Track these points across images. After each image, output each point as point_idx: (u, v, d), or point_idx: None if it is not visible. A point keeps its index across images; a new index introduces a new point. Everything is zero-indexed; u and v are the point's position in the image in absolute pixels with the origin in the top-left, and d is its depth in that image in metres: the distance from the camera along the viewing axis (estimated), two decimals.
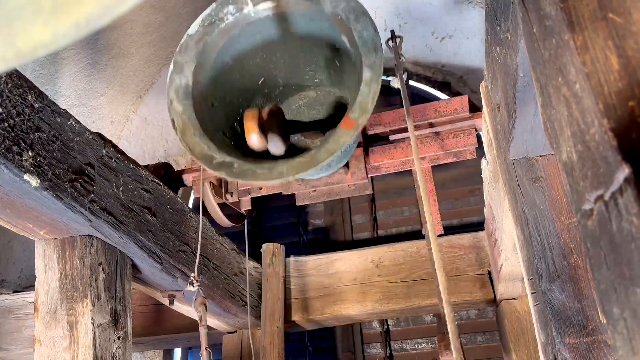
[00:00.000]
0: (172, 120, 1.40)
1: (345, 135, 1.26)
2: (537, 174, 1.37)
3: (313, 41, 1.53)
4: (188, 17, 4.06)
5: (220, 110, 1.51)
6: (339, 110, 1.69)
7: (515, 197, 1.39)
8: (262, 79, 1.50)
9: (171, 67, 1.37)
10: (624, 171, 0.53)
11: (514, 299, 2.53)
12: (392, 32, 1.92)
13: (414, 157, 1.10)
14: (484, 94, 1.58)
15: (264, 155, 1.39)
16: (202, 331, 1.83)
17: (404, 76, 1.68)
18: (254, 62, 1.58)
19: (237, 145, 1.49)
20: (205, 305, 1.85)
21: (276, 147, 1.36)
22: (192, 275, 1.80)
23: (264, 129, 1.29)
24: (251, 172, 1.27)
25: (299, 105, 1.75)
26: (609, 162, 0.57)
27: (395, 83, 1.66)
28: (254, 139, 1.22)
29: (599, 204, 0.61)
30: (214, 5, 1.34)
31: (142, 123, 4.21)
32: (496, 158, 1.57)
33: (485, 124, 1.66)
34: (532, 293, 1.38)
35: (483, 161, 1.90)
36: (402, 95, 1.55)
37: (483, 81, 1.58)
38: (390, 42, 1.89)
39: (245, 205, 2.23)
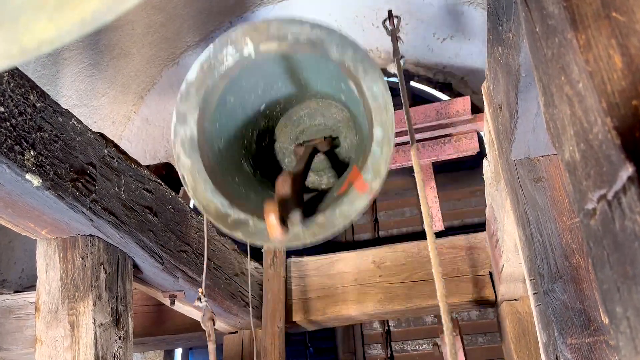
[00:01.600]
0: (182, 177, 1.35)
1: (360, 200, 1.23)
2: (539, 174, 1.36)
3: (317, 75, 1.48)
4: (189, 18, 4.07)
5: (226, 151, 1.48)
6: (341, 125, 1.67)
7: (517, 198, 1.39)
8: (263, 105, 1.46)
9: (174, 118, 1.31)
10: (628, 170, 0.53)
11: (515, 300, 2.53)
12: (390, 11, 1.86)
13: (412, 154, 1.09)
14: (486, 94, 1.58)
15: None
16: (211, 347, 1.81)
17: (401, 61, 1.62)
18: (256, 95, 1.54)
19: (247, 186, 1.47)
20: (213, 320, 1.82)
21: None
22: (200, 290, 1.79)
23: (286, 225, 1.18)
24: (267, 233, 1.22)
25: (300, 116, 1.73)
26: (612, 161, 0.57)
27: (392, 68, 1.60)
28: (278, 237, 1.15)
29: (602, 203, 0.61)
30: (211, 47, 1.27)
31: (144, 123, 4.22)
32: (498, 158, 1.57)
33: (486, 124, 1.66)
34: (533, 294, 1.38)
35: (484, 162, 1.90)
36: (399, 82, 1.46)
37: (485, 82, 1.58)
38: (387, 23, 1.83)
39: None
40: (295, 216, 1.23)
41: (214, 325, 1.83)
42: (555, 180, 1.36)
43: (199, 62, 1.29)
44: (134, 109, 4.16)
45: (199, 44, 4.11)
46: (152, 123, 4.26)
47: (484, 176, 1.97)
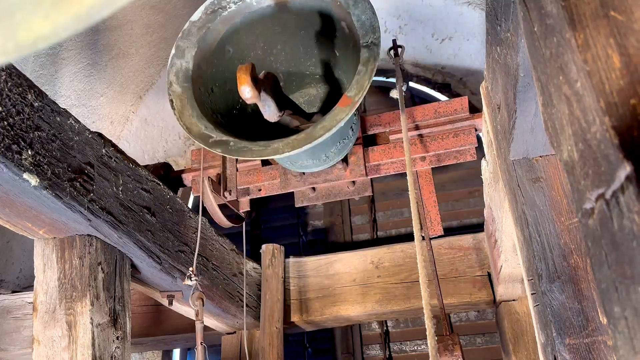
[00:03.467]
0: (171, 101, 1.44)
1: (342, 112, 1.29)
2: (537, 175, 1.36)
3: (313, 32, 1.54)
4: (188, 18, 4.06)
5: (220, 96, 1.54)
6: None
7: (515, 198, 1.39)
8: (262, 71, 1.51)
9: (173, 50, 1.40)
10: (626, 169, 0.53)
11: (513, 300, 2.53)
12: (394, 41, 1.91)
13: (407, 163, 1.09)
14: (484, 94, 1.58)
15: (260, 138, 1.42)
16: (198, 326, 1.83)
17: (403, 88, 1.69)
18: (255, 54, 1.59)
19: (234, 129, 1.52)
20: (202, 299, 1.85)
21: (269, 110, 1.36)
22: (190, 269, 1.80)
23: (258, 87, 1.26)
24: (247, 149, 1.30)
25: (299, 103, 1.76)
26: (610, 161, 0.57)
27: (395, 94, 1.67)
28: (246, 91, 1.20)
29: (600, 203, 0.61)
30: None
31: (142, 124, 4.21)
32: (496, 159, 1.57)
33: (485, 124, 1.66)
34: (532, 294, 1.38)
35: (483, 162, 1.90)
36: (400, 108, 1.55)
37: (483, 82, 1.58)
38: (392, 52, 1.88)
39: (244, 206, 2.23)
40: (268, 95, 1.31)
41: (202, 305, 1.85)
42: (554, 180, 1.36)
43: (204, 6, 1.37)
44: (132, 109, 4.16)
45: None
46: (151, 123, 4.26)
47: (483, 177, 1.97)
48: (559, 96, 0.70)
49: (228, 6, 1.37)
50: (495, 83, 1.36)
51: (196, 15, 1.39)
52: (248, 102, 1.26)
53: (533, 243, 1.33)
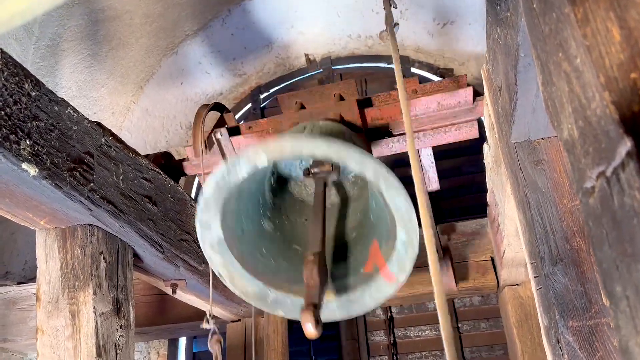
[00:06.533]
0: (219, 273, 1.45)
1: (387, 288, 1.35)
2: (539, 157, 1.35)
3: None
4: (187, 7, 4.03)
5: (248, 227, 1.55)
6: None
7: (517, 181, 1.38)
8: (275, 171, 1.52)
9: (198, 227, 1.37)
10: (626, 145, 0.52)
11: (517, 284, 2.53)
12: None
13: (405, 122, 1.05)
14: (485, 77, 1.56)
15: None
16: None
17: (395, 30, 1.46)
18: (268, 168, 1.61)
19: (274, 253, 1.58)
20: (220, 343, 1.86)
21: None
22: (208, 312, 1.81)
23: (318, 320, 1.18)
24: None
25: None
26: (610, 137, 0.55)
27: (384, 38, 1.46)
28: (311, 332, 1.18)
29: (600, 181, 0.60)
30: (223, 167, 1.27)
31: (143, 114, 4.20)
32: (498, 142, 1.55)
33: (486, 107, 1.64)
34: (534, 277, 1.37)
35: (485, 146, 1.88)
36: (392, 51, 1.34)
37: (484, 64, 1.56)
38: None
39: None
40: (324, 298, 1.31)
41: (220, 348, 1.86)
42: (556, 162, 1.34)
43: (214, 180, 1.29)
44: (133, 100, 4.15)
45: (197, 33, 4.08)
46: (152, 114, 4.25)
47: (485, 161, 1.95)
48: (558, 73, 0.69)
49: (239, 173, 1.27)
50: (495, 64, 1.34)
51: (208, 191, 1.31)
52: (310, 337, 1.23)
53: (535, 226, 1.32)
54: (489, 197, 2.22)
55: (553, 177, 1.33)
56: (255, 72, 4.38)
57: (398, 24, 1.44)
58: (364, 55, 4.29)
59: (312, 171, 1.52)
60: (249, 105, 4.35)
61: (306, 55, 4.30)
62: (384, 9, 1.49)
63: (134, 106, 4.15)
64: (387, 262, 1.35)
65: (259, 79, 4.41)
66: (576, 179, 0.70)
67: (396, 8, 1.56)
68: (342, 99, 2.01)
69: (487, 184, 2.14)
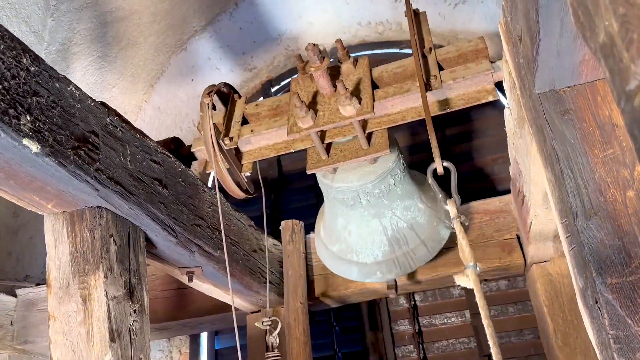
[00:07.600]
0: None
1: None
2: (566, 107, 1.26)
3: None
4: (194, 3, 4.00)
5: None
6: None
7: (543, 135, 1.29)
8: None
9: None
10: None
11: (545, 261, 2.42)
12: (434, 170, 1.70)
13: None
14: (503, 31, 1.47)
15: None
16: None
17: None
18: None
19: None
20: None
21: None
22: None
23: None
24: None
25: None
26: None
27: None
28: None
29: None
30: None
31: (156, 112, 4.17)
32: (520, 98, 1.47)
33: (506, 65, 1.55)
34: (566, 237, 1.28)
35: (506, 111, 1.79)
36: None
37: (501, 18, 1.48)
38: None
39: (247, 168, 2.17)
40: None
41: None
42: (584, 111, 1.25)
43: None
44: (145, 98, 4.13)
45: (205, 28, 4.05)
46: (164, 111, 4.22)
47: (507, 128, 1.86)
48: None
49: None
50: (514, 10, 1.26)
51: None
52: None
53: (565, 180, 1.23)
54: (512, 169, 2.13)
55: (582, 126, 1.24)
56: (266, 65, 4.33)
57: None
58: (375, 42, 4.21)
59: None
60: (261, 99, 4.30)
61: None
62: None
63: (145, 105, 4.13)
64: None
65: (269, 73, 4.36)
66: (616, 85, 0.62)
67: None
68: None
69: (509, 155, 2.05)
